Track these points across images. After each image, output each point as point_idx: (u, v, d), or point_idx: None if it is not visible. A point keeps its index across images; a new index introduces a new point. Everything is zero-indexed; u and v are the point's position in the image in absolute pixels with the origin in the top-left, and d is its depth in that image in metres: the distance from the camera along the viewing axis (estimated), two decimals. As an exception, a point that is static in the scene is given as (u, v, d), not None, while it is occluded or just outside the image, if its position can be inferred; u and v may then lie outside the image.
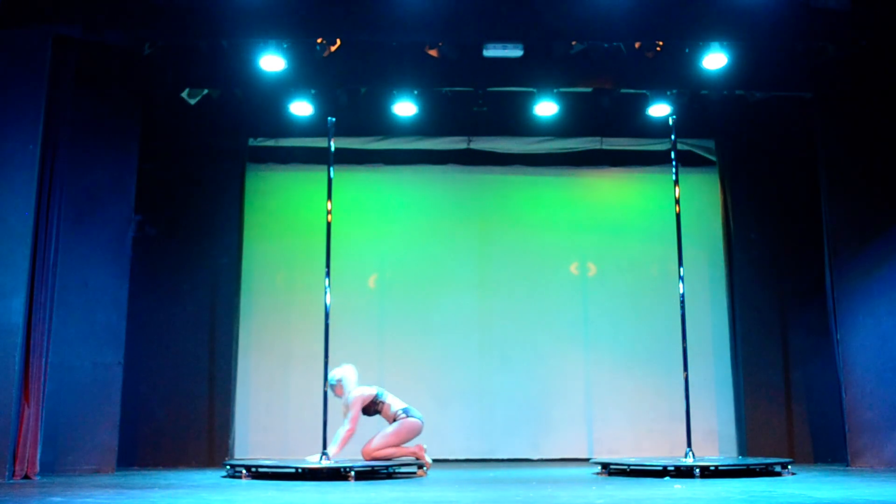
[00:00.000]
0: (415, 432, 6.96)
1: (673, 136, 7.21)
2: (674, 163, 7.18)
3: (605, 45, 7.45)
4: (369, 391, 6.97)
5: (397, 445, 6.90)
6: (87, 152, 7.32)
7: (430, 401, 8.82)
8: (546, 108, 8.17)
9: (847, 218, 7.58)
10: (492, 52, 7.37)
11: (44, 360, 6.41)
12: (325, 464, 6.37)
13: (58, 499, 4.82)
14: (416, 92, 8.02)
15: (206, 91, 8.14)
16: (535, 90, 8.02)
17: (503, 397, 8.91)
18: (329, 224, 6.96)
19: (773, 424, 8.15)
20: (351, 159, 8.85)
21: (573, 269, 9.21)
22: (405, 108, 8.13)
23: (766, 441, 8.07)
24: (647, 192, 9.26)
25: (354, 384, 7.01)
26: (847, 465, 7.28)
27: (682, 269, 6.97)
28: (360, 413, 6.94)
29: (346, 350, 8.51)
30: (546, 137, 8.89)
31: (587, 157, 9.19)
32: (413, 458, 6.93)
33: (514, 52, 7.37)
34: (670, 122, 7.25)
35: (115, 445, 7.06)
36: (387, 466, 6.71)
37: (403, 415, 6.94)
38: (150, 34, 7.19)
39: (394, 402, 7.01)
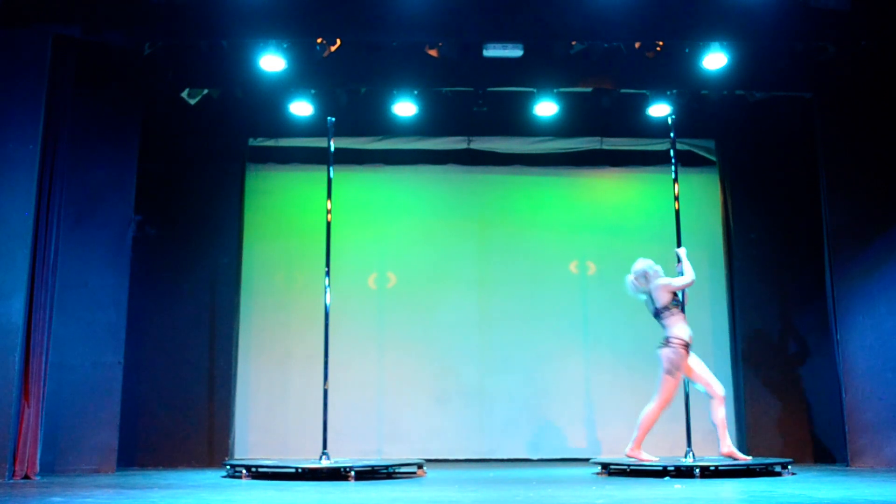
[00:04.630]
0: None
1: (672, 135, 7.22)
2: (673, 161, 7.20)
3: (605, 45, 7.45)
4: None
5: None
6: (87, 152, 7.33)
7: (430, 401, 8.85)
8: (546, 108, 8.17)
9: (847, 218, 7.58)
10: (492, 52, 7.36)
11: (44, 360, 6.41)
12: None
13: (58, 499, 4.82)
14: (416, 92, 8.02)
15: (206, 91, 8.15)
16: (535, 90, 8.02)
17: (503, 397, 8.90)
18: (329, 224, 6.97)
19: (773, 424, 8.15)
20: (351, 159, 8.85)
21: (573, 268, 9.21)
22: (405, 108, 8.12)
23: (766, 441, 8.07)
24: (647, 192, 9.26)
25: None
26: (847, 465, 7.28)
27: (682, 268, 6.97)
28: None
29: (346, 350, 8.54)
30: (546, 137, 8.89)
31: (587, 157, 9.19)
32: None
33: (514, 52, 7.37)
34: (669, 122, 7.26)
35: (115, 445, 7.06)
36: (387, 466, 6.71)
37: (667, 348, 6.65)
38: (150, 34, 7.19)
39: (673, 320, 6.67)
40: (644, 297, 6.83)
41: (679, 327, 6.67)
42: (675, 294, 6.74)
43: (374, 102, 8.26)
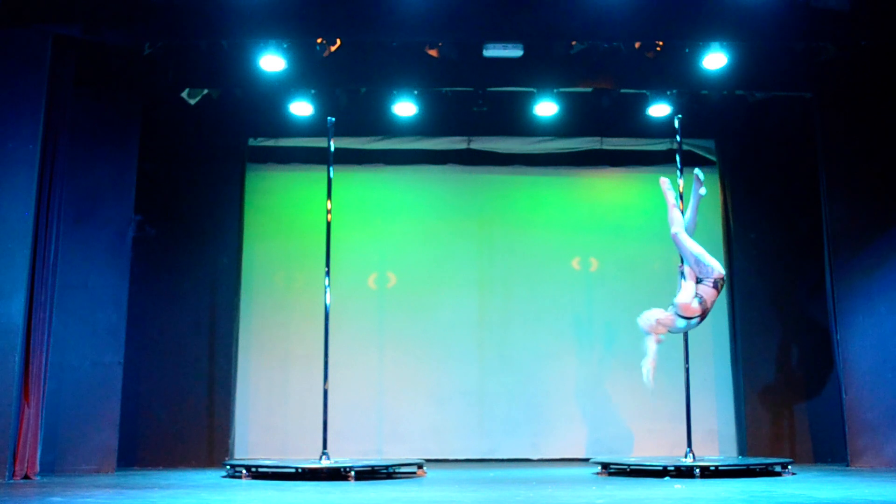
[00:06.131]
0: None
1: (679, 138, 7.24)
2: (678, 163, 7.22)
3: (605, 45, 7.45)
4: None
5: None
6: (87, 152, 7.33)
7: (430, 401, 8.85)
8: (546, 108, 8.17)
9: (847, 218, 7.58)
10: (492, 52, 7.37)
11: (44, 360, 6.41)
12: (323, 463, 6.37)
13: (58, 499, 4.82)
14: (416, 92, 8.02)
15: (206, 91, 8.15)
16: (535, 90, 8.02)
17: (503, 397, 8.90)
18: (329, 224, 6.97)
19: (773, 424, 8.14)
20: (351, 159, 8.85)
21: (573, 268, 9.20)
22: (405, 108, 8.12)
23: (766, 441, 8.07)
24: (647, 192, 9.22)
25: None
26: (847, 465, 7.28)
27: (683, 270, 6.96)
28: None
29: (346, 350, 8.55)
30: (546, 137, 8.89)
31: (587, 157, 9.19)
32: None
33: (514, 52, 7.38)
34: (676, 122, 7.29)
35: (115, 445, 7.06)
36: (387, 466, 6.71)
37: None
38: (150, 34, 7.19)
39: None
40: (683, 325, 6.13)
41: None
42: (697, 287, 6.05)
43: (374, 102, 8.26)
